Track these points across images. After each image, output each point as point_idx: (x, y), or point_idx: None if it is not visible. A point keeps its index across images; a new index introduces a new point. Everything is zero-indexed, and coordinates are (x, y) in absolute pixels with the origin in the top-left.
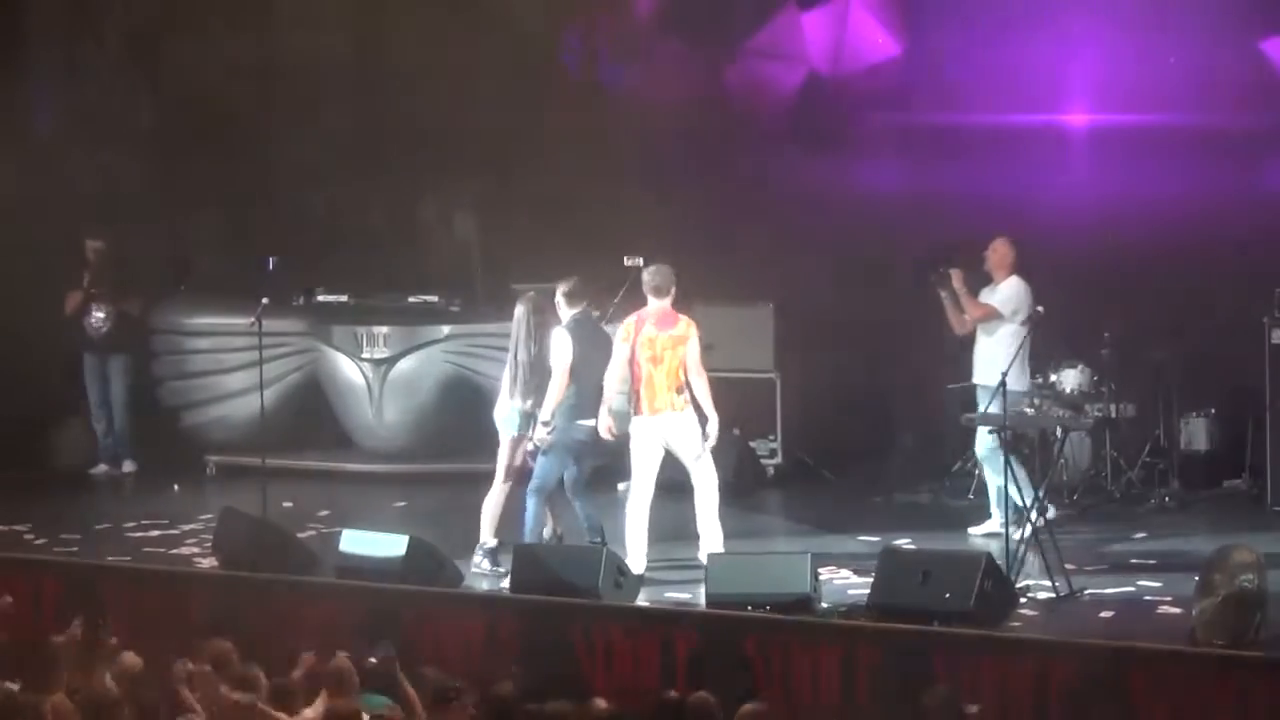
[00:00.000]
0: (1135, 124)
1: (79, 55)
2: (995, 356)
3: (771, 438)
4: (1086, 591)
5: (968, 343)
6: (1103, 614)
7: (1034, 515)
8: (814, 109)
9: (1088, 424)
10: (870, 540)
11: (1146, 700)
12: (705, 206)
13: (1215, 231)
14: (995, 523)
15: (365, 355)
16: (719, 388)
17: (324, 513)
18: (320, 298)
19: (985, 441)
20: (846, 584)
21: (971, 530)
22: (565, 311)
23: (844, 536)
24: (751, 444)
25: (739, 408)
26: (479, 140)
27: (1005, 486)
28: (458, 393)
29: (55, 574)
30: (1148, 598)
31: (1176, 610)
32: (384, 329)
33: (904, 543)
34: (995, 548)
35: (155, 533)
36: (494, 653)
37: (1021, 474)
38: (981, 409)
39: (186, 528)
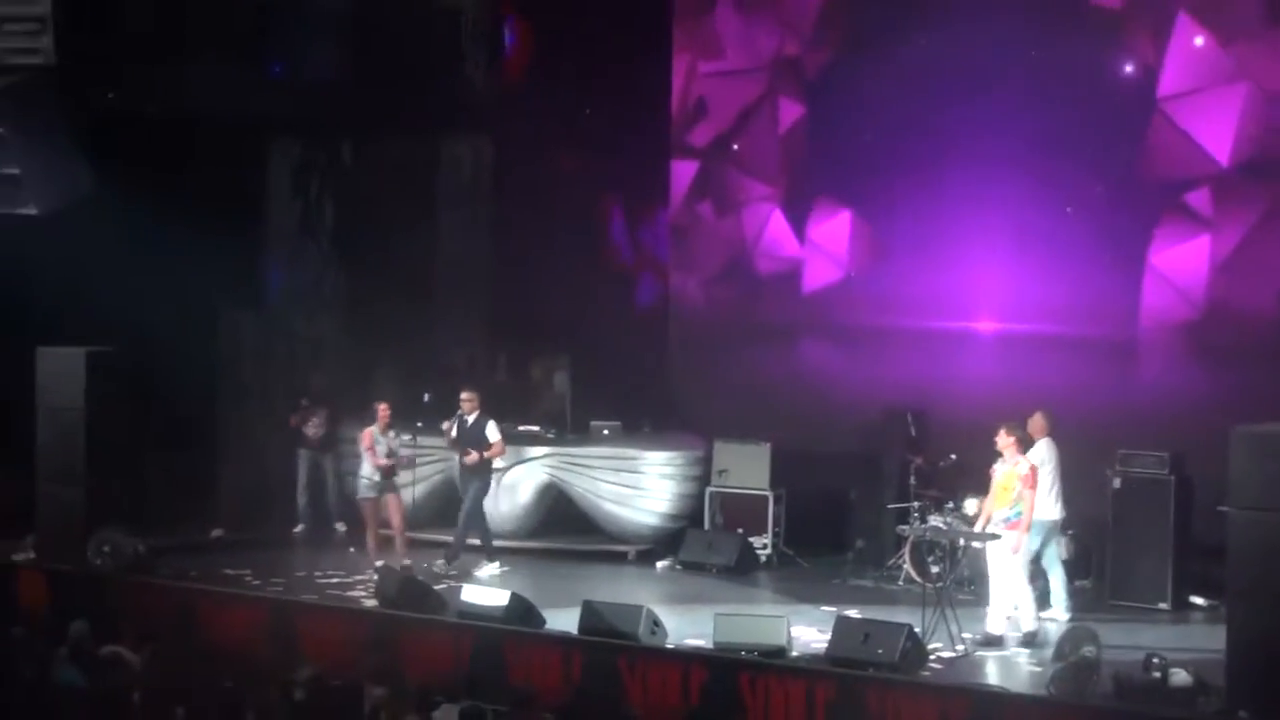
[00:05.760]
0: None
1: (298, 243)
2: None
3: (765, 536)
4: (977, 653)
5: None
6: (989, 668)
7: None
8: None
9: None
10: (829, 610)
11: None
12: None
13: (1083, 414)
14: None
15: None
16: (733, 502)
17: (453, 573)
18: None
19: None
20: (811, 639)
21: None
22: None
23: (811, 606)
24: (751, 539)
25: (744, 515)
26: (570, 321)
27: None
28: (550, 494)
29: (265, 607)
30: (1019, 660)
31: (1039, 669)
32: None
33: (852, 613)
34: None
35: (335, 580)
36: (565, 676)
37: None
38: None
39: (357, 578)
